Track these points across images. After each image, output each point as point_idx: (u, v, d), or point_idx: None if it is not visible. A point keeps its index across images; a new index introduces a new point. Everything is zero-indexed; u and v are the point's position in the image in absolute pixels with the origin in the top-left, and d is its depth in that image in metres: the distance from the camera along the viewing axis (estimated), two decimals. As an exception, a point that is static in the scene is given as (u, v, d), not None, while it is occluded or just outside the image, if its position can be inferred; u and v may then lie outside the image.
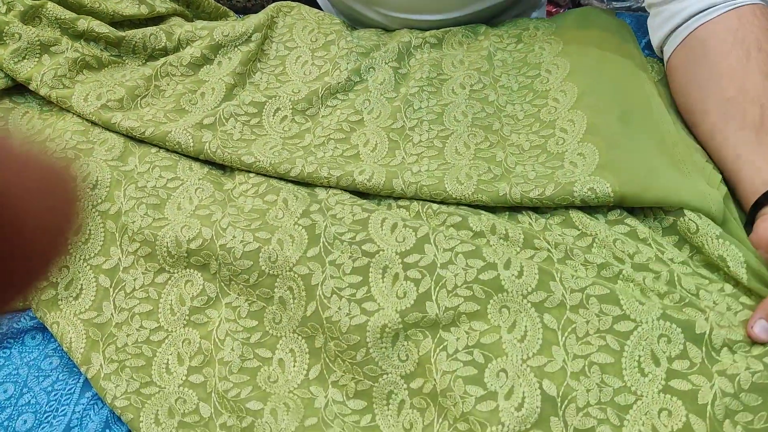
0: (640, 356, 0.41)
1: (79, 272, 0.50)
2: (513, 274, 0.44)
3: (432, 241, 0.46)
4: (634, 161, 0.50)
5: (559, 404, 0.40)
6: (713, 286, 0.45)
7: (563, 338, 0.42)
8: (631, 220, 0.48)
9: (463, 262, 0.45)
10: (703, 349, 0.41)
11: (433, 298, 0.44)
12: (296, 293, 0.46)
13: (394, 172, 0.52)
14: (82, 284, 0.49)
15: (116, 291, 0.49)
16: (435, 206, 0.50)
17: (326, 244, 0.47)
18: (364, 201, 0.51)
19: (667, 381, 0.41)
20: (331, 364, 0.45)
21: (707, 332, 0.42)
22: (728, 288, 0.45)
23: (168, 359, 0.46)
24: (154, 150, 0.56)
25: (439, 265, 0.45)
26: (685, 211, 0.47)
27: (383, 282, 0.45)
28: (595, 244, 0.47)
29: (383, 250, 0.46)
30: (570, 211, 0.49)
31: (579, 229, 0.48)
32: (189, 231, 0.49)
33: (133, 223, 0.50)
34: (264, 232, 0.48)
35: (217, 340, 0.46)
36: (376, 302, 0.45)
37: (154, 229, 0.50)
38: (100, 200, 0.52)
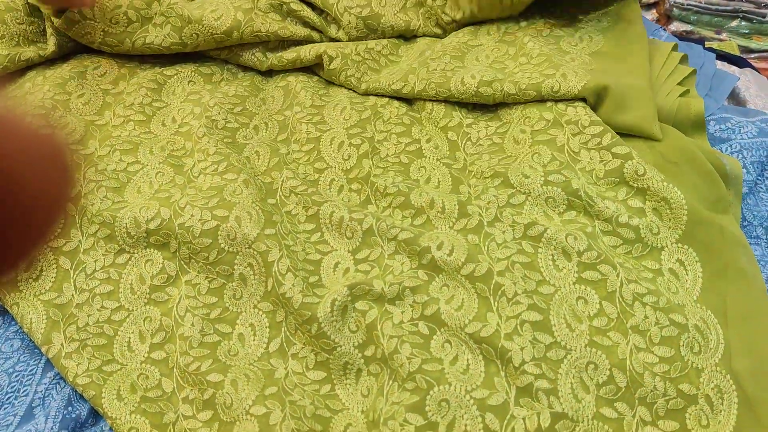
0: (564, 315, 0.44)
1: (39, 254, 0.50)
2: (445, 253, 0.47)
3: (376, 232, 0.49)
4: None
5: (499, 365, 0.42)
6: (625, 246, 0.48)
7: (495, 303, 0.44)
8: (568, 171, 0.51)
9: (405, 250, 0.48)
10: (617, 305, 0.45)
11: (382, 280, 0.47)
12: (256, 269, 0.47)
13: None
14: (42, 266, 0.49)
15: (77, 273, 0.49)
16: (382, 187, 0.52)
17: (282, 232, 0.49)
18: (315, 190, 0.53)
19: (591, 336, 0.44)
20: (291, 337, 0.46)
21: (617, 289, 0.45)
22: (637, 249, 0.48)
23: (130, 337, 0.47)
24: (115, 134, 0.56)
25: (386, 256, 0.48)
26: (633, 155, 0.51)
27: (335, 275, 0.48)
28: (527, 202, 0.50)
29: (336, 250, 0.49)
30: (509, 171, 0.52)
31: (515, 188, 0.51)
32: (147, 212, 0.50)
33: (92, 205, 0.51)
34: (222, 209, 0.49)
35: (177, 316, 0.47)
36: (326, 288, 0.47)
37: (113, 210, 0.50)
38: None
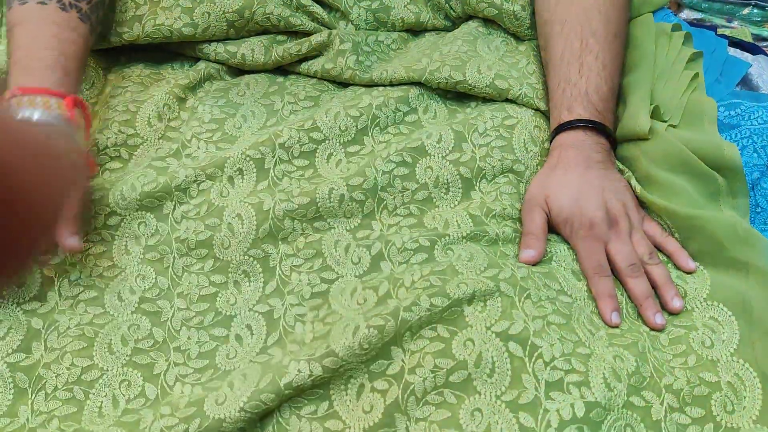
0: (584, 322, 0.45)
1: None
2: (465, 258, 0.46)
3: (387, 257, 0.48)
4: None
5: (527, 362, 0.41)
6: None
7: (520, 302, 0.44)
8: None
9: (419, 259, 0.47)
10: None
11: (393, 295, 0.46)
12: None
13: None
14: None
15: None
16: (391, 205, 0.52)
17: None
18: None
19: (611, 340, 0.44)
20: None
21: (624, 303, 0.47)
22: None
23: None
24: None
25: (396, 274, 0.47)
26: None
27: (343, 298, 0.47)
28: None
29: (343, 276, 0.48)
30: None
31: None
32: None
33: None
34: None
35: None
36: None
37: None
38: None
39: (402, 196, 0.51)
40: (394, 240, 0.49)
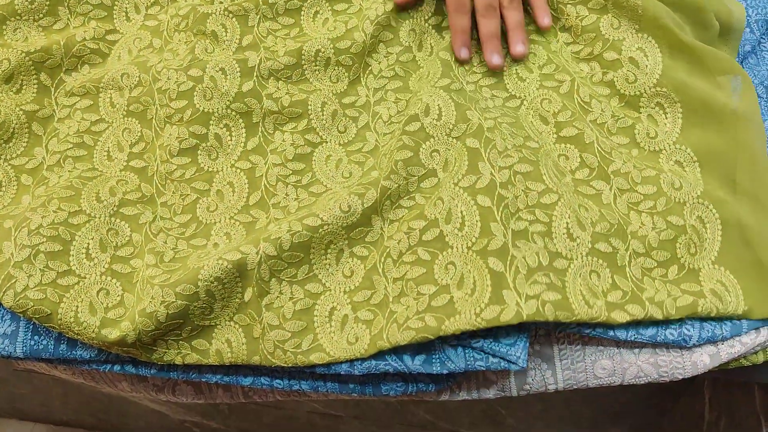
0: (552, 168, 0.45)
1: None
2: (434, 117, 0.46)
3: (373, 128, 0.49)
4: None
5: (495, 211, 0.42)
6: (603, 98, 0.49)
7: (486, 153, 0.44)
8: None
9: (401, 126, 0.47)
10: (597, 155, 0.45)
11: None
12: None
13: None
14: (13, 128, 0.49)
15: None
16: (376, 69, 0.51)
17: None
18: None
19: (576, 187, 0.45)
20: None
21: (595, 141, 0.46)
22: (615, 101, 0.48)
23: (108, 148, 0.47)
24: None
25: (381, 148, 0.47)
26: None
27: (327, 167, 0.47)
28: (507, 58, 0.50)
29: (327, 142, 0.48)
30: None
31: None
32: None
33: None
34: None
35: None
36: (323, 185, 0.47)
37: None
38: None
39: (387, 59, 0.51)
40: (381, 112, 0.49)
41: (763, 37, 0.55)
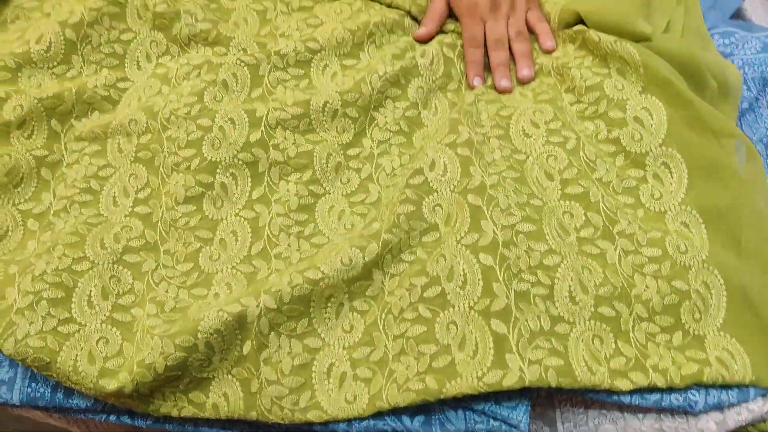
0: (555, 227, 0.44)
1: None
2: (439, 173, 0.46)
3: (376, 180, 0.49)
4: None
5: (497, 271, 0.42)
6: (608, 157, 0.49)
7: (489, 211, 0.44)
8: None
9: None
10: (602, 215, 0.45)
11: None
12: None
13: None
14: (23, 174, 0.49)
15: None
16: (381, 122, 0.52)
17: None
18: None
19: (580, 246, 0.44)
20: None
21: (600, 200, 0.46)
22: (620, 159, 0.48)
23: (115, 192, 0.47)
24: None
25: (384, 200, 0.48)
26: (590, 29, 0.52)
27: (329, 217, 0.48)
28: (515, 114, 0.51)
29: (330, 193, 0.49)
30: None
31: (504, 104, 0.52)
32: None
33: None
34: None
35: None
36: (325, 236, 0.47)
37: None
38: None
39: (393, 113, 0.52)
40: (384, 164, 0.49)
41: (761, 94, 0.56)
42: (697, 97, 0.48)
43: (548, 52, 0.55)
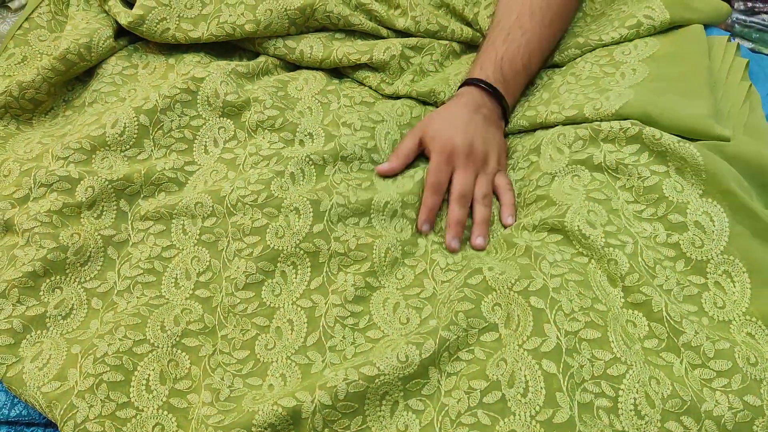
0: (621, 333, 0.43)
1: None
2: (497, 272, 0.46)
3: (431, 276, 0.50)
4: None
5: (561, 380, 0.41)
6: (668, 262, 0.47)
7: (552, 315, 0.43)
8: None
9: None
10: (666, 325, 0.44)
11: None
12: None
13: None
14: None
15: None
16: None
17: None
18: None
19: (647, 356, 0.43)
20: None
21: (663, 308, 0.44)
22: (681, 264, 0.47)
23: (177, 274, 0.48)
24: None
25: (438, 295, 0.48)
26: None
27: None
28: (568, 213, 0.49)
29: (385, 287, 0.49)
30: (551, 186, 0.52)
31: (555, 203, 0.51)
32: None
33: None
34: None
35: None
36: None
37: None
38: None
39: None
40: (438, 260, 0.50)
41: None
42: (761, 207, 0.47)
43: (506, 227, 0.53)
